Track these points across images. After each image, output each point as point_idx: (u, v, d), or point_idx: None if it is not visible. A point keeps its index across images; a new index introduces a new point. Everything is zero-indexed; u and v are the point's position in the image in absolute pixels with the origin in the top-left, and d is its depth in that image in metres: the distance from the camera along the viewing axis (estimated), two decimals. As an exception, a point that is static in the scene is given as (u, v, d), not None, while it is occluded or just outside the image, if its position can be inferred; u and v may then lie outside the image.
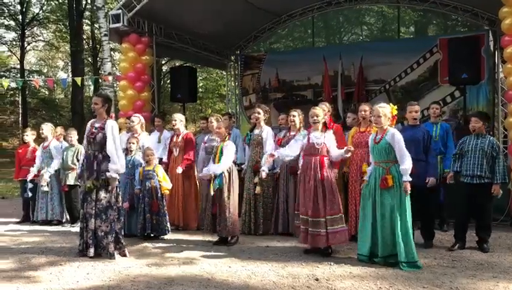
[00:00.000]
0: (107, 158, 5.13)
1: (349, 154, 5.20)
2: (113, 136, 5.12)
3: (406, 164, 4.71)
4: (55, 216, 7.49)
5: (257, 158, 6.38)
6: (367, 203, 4.91)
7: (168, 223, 6.21)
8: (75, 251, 5.52)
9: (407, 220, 4.71)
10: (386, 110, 4.84)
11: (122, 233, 5.45)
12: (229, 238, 5.78)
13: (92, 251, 5.20)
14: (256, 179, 6.29)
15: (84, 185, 5.22)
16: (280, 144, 6.23)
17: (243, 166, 6.66)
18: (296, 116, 6.18)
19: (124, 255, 5.27)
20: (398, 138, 4.74)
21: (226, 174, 5.68)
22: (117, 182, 5.23)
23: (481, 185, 5.20)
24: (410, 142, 5.31)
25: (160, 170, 6.26)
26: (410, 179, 4.72)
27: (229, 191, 5.68)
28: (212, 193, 5.62)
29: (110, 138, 5.11)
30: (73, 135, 7.41)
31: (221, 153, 5.66)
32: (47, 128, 7.68)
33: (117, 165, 5.13)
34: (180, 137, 6.86)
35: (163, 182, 6.20)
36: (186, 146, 6.79)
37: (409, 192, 4.70)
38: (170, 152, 7.00)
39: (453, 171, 5.49)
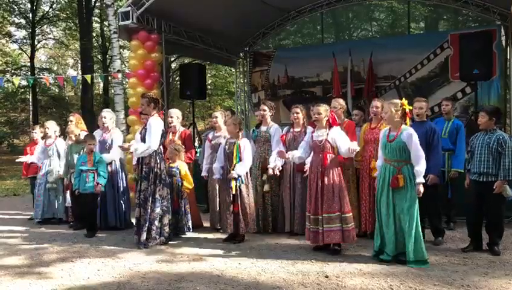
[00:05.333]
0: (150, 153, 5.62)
1: (353, 154, 5.08)
2: (150, 131, 5.57)
3: (421, 165, 4.63)
4: (55, 215, 7.25)
5: (265, 155, 6.29)
6: (378, 201, 4.85)
7: (190, 222, 6.15)
8: (86, 247, 5.59)
9: (417, 219, 4.64)
10: (396, 107, 4.73)
11: (164, 223, 5.72)
12: (242, 237, 5.75)
13: (136, 237, 5.65)
14: (265, 177, 6.20)
15: (131, 178, 5.80)
16: (284, 140, 6.14)
17: None
18: (299, 112, 6.11)
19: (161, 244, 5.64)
20: (415, 139, 4.65)
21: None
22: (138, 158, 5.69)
23: (489, 184, 4.96)
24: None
25: (183, 168, 6.16)
26: (424, 181, 4.66)
27: (247, 188, 5.70)
28: (234, 191, 5.56)
29: (148, 132, 5.58)
30: (78, 132, 7.17)
31: (238, 151, 5.60)
32: (52, 126, 7.50)
33: (143, 148, 5.53)
34: (178, 135, 6.63)
35: (185, 180, 6.13)
36: (186, 145, 6.62)
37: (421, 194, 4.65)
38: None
39: (467, 170, 5.32)
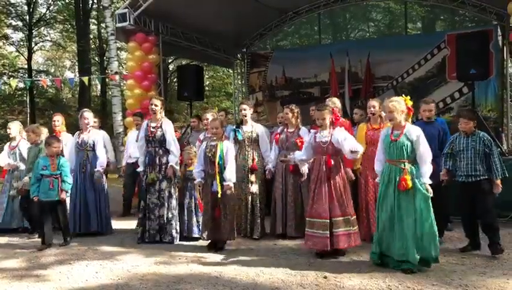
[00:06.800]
0: (166, 153, 5.88)
1: (358, 156, 5.00)
2: (171, 133, 5.87)
3: (429, 165, 4.44)
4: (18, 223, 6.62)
5: (252, 156, 6.05)
6: (380, 205, 4.60)
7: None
8: (83, 249, 5.58)
9: (432, 219, 4.39)
10: (398, 104, 4.48)
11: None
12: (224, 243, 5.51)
13: (158, 236, 5.84)
14: (253, 178, 5.99)
15: (148, 178, 5.85)
16: (277, 140, 6.00)
17: None
18: (288, 112, 5.93)
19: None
20: (423, 138, 4.46)
21: None
22: (177, 172, 5.90)
23: (477, 183, 4.93)
24: (428, 138, 5.26)
25: None
26: (431, 182, 4.47)
27: (230, 193, 5.41)
28: (219, 196, 5.30)
29: (169, 135, 5.85)
30: (38, 132, 6.58)
31: (222, 152, 5.35)
32: (15, 127, 6.89)
33: (177, 158, 5.88)
34: None
35: None
36: None
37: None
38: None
39: (446, 168, 5.21)
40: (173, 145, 5.86)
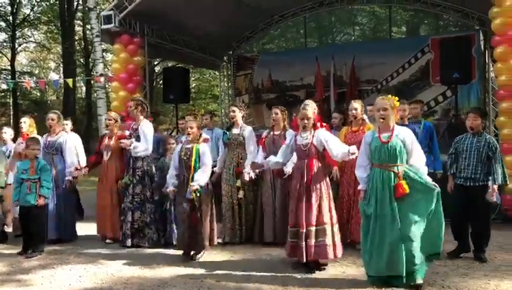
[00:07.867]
0: (140, 157, 5.78)
1: (354, 157, 4.42)
2: (145, 135, 5.72)
3: (424, 163, 4.20)
4: None
5: (238, 160, 5.88)
6: (374, 217, 4.11)
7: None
8: (67, 253, 5.53)
9: (442, 220, 4.07)
10: (391, 102, 4.16)
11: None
12: (201, 252, 5.26)
13: (129, 241, 5.71)
14: (239, 183, 5.78)
15: (122, 181, 5.85)
16: (263, 143, 5.80)
17: (215, 168, 6.03)
18: (279, 113, 5.76)
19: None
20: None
21: None
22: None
23: (475, 189, 4.83)
24: None
25: None
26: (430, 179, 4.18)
27: (208, 198, 5.26)
28: (193, 203, 5.08)
29: (142, 133, 5.73)
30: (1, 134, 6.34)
31: (198, 155, 5.16)
32: None
33: (141, 152, 5.71)
34: (114, 139, 6.15)
35: None
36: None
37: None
38: (98, 156, 6.40)
39: (451, 173, 5.06)
40: (143, 141, 5.68)
